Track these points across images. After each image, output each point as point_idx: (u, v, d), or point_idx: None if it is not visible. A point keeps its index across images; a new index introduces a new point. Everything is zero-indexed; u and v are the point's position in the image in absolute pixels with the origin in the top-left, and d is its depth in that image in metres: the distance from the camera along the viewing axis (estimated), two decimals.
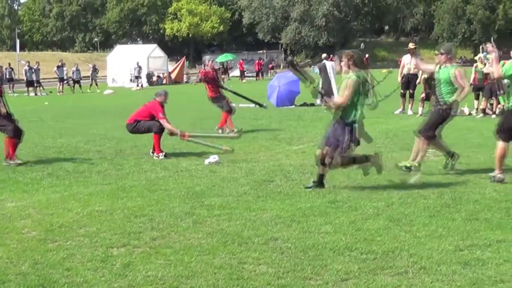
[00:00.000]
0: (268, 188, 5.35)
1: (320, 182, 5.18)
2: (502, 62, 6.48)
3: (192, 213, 4.36)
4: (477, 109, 11.77)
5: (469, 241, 3.38)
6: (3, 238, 3.67)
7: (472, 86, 10.14)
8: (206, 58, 25.28)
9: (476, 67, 11.63)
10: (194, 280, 2.74)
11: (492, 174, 5.34)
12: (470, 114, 11.71)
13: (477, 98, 11.59)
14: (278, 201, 4.81)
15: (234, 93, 10.67)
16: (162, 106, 7.15)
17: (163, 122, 6.98)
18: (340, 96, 5.14)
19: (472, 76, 11.21)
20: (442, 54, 5.63)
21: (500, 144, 5.26)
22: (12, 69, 26.81)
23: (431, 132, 5.69)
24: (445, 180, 5.69)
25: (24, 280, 2.76)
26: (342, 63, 4.91)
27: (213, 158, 6.69)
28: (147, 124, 7.09)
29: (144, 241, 3.51)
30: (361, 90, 4.83)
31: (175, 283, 2.70)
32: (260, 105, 11.77)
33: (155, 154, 7.08)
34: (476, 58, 12.63)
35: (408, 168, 5.72)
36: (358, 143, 5.10)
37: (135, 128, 7.25)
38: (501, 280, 2.70)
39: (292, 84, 13.72)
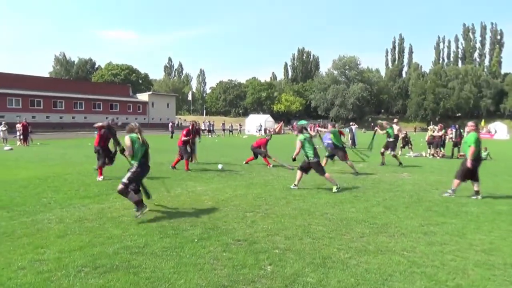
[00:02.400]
0: (323, 187, 8.89)
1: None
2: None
3: (285, 198, 7.86)
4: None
5: (427, 222, 6.29)
6: (195, 204, 7.23)
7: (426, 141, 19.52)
8: (293, 122, 59.03)
9: (430, 130, 19.55)
10: (286, 231, 5.64)
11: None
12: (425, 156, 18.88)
13: (429, 148, 19.33)
14: (327, 194, 8.35)
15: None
16: (267, 141, 13.85)
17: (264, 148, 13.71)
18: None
19: (427, 136, 19.48)
20: (471, 126, 8.76)
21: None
22: (198, 124, 45.92)
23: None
24: (417, 190, 9.47)
25: (205, 226, 5.82)
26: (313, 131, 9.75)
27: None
28: (258, 150, 13.69)
29: (262, 210, 6.86)
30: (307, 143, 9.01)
31: (275, 232, 5.61)
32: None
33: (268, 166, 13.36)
34: (429, 128, 20.62)
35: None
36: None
37: (255, 149, 13.88)
38: (444, 243, 5.16)
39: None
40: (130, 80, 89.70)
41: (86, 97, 61.79)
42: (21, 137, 25.05)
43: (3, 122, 27.03)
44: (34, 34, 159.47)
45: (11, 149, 20.77)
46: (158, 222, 5.98)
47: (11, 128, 27.58)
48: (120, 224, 5.84)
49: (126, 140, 6.30)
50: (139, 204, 6.19)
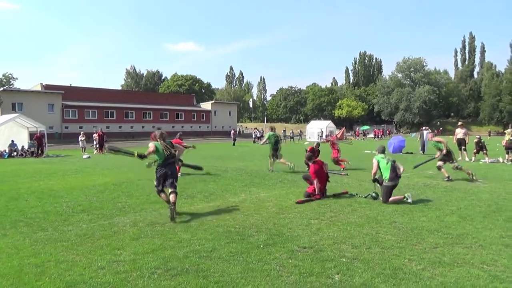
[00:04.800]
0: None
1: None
2: None
3: (350, 205, 7.70)
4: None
5: (508, 233, 5.77)
6: (259, 210, 7.31)
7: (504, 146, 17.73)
8: (356, 128, 65.56)
9: (508, 134, 17.68)
10: (352, 240, 5.45)
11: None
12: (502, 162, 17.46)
13: (507, 153, 17.58)
14: (395, 203, 7.89)
15: None
16: (312, 149, 12.19)
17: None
18: None
19: (504, 140, 17.81)
20: None
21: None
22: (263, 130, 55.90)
23: None
24: (495, 199, 8.71)
25: (269, 232, 5.83)
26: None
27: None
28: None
29: (326, 217, 6.75)
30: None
31: (342, 240, 5.43)
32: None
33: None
34: (506, 131, 18.74)
35: None
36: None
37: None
38: None
39: (401, 141, 24.95)
40: (193, 89, 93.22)
41: (154, 107, 65.26)
42: (98, 145, 27.00)
43: (82, 132, 29.34)
44: (107, 50, 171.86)
45: (89, 157, 22.46)
46: (224, 227, 6.12)
47: (88, 137, 29.83)
48: (189, 228, 6.06)
49: (150, 146, 7.11)
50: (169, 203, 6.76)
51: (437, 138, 12.52)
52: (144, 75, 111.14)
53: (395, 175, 8.18)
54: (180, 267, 4.35)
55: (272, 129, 14.89)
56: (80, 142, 28.17)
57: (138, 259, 4.64)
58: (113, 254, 4.82)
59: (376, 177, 8.38)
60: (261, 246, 5.11)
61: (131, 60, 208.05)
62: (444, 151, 11.76)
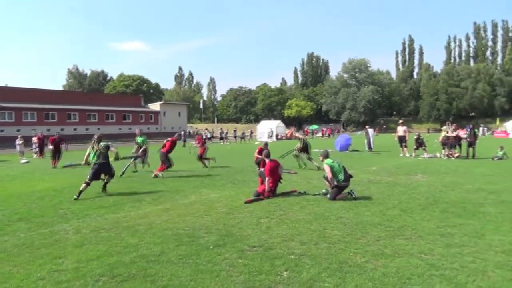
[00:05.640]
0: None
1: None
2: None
3: (299, 203, 7.82)
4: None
5: (444, 223, 6.19)
6: (209, 211, 7.25)
7: (440, 142, 18.91)
8: (305, 127, 66.53)
9: (444, 130, 18.98)
10: (300, 236, 5.58)
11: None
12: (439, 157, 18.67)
13: (443, 148, 18.68)
14: (342, 199, 8.13)
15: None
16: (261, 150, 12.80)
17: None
18: None
19: (440, 137, 18.98)
20: None
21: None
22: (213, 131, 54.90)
23: None
24: (433, 192, 9.37)
25: (220, 232, 5.83)
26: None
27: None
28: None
29: (276, 216, 6.83)
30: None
31: (290, 237, 5.55)
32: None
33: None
34: (442, 128, 20.22)
35: None
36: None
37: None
38: (462, 244, 5.05)
39: (347, 139, 26.06)
40: (141, 90, 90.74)
41: (99, 108, 62.67)
42: (38, 150, 25.47)
43: (19, 136, 27.53)
44: (47, 49, 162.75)
45: (28, 161, 21.13)
46: (173, 230, 6.01)
47: (27, 141, 28.05)
48: (136, 233, 5.88)
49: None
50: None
51: (296, 135, 15.04)
52: (88, 75, 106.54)
53: (348, 176, 8.50)
54: (126, 273, 4.22)
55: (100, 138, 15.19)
56: (17, 146, 26.38)
57: (82, 267, 4.44)
58: (54, 264, 4.57)
59: (328, 180, 8.56)
60: (211, 247, 5.08)
61: (74, 60, 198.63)
62: (300, 146, 14.96)
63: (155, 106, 74.75)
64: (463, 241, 5.24)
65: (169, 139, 13.79)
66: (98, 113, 62.43)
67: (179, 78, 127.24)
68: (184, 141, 38.42)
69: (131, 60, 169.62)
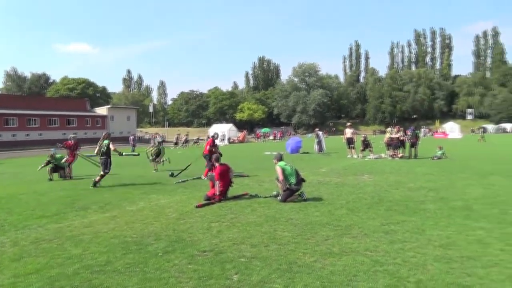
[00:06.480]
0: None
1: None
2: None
3: (250, 205, 7.85)
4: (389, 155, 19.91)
5: (388, 221, 6.47)
6: (159, 218, 7.06)
7: (385, 143, 19.79)
8: (257, 130, 68.48)
9: (388, 132, 20.05)
10: (251, 239, 5.59)
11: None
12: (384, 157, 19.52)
13: (388, 149, 19.71)
14: (292, 201, 8.24)
15: None
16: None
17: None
18: None
19: (385, 138, 19.87)
20: None
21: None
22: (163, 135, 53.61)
23: None
24: (378, 191, 9.72)
25: (169, 238, 5.70)
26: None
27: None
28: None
29: (227, 219, 6.78)
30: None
31: (241, 240, 5.53)
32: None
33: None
34: (387, 130, 21.28)
35: None
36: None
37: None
38: (404, 240, 5.30)
39: (298, 142, 26.14)
40: (87, 94, 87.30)
41: (40, 113, 59.40)
42: None
43: None
44: None
45: None
46: (121, 238, 5.80)
47: None
48: (80, 242, 5.61)
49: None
50: None
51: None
52: (28, 78, 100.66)
53: (300, 179, 8.60)
54: (69, 286, 4.01)
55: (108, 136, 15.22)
56: None
57: (19, 282, 4.16)
58: None
59: (280, 182, 8.62)
60: (160, 254, 4.95)
61: (13, 62, 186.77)
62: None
63: (102, 110, 72.10)
64: (405, 237, 5.50)
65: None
66: (39, 117, 59.15)
67: (127, 81, 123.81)
68: (134, 146, 37.33)
69: (76, 62, 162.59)
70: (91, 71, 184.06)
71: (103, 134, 12.27)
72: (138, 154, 15.44)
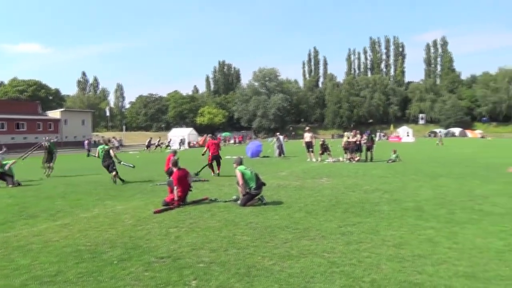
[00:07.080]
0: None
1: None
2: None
3: (210, 210, 7.78)
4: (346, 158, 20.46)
5: (344, 223, 6.63)
6: (114, 224, 6.82)
7: (343, 147, 20.53)
8: (217, 134, 56.94)
9: (346, 136, 20.84)
10: (210, 244, 5.54)
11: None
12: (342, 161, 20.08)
13: (345, 153, 20.43)
14: (252, 205, 8.26)
15: None
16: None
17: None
18: None
19: (343, 142, 20.66)
20: None
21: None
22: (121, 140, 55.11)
23: None
24: (335, 194, 9.79)
25: (125, 246, 5.56)
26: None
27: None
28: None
29: (186, 225, 6.69)
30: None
31: (200, 245, 5.48)
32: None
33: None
34: (344, 134, 21.79)
35: None
36: None
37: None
38: (360, 241, 5.46)
39: (258, 146, 26.18)
40: (39, 96, 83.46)
41: None
42: None
43: None
44: None
45: None
46: (73, 246, 5.56)
47: None
48: (29, 252, 5.32)
49: None
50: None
51: None
52: None
53: (261, 183, 8.62)
54: None
55: (108, 142, 14.87)
56: None
57: None
58: None
59: (240, 186, 8.59)
60: (115, 262, 4.79)
61: None
62: None
63: (55, 114, 69.21)
64: (361, 238, 5.65)
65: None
66: None
67: (82, 84, 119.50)
68: (89, 150, 36.04)
69: (26, 63, 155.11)
70: (43, 73, 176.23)
71: (102, 140, 13.69)
72: (134, 166, 14.61)
